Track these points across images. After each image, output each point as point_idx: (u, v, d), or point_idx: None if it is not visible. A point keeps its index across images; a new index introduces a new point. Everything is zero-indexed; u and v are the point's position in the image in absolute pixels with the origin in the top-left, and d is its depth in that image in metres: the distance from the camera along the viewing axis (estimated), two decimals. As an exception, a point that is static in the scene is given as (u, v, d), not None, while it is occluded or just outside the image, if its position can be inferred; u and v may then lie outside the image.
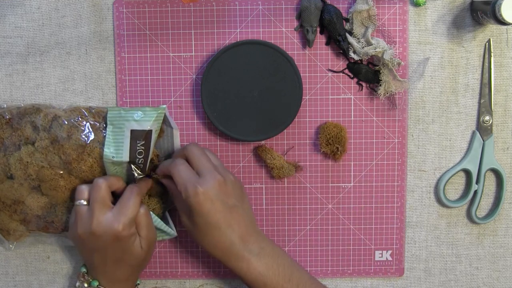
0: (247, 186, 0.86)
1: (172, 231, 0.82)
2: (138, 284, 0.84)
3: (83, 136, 0.78)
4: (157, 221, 0.80)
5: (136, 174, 0.78)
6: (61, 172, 0.79)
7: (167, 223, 0.82)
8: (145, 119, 0.77)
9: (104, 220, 0.75)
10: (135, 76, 0.85)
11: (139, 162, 0.78)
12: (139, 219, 0.77)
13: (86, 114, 0.79)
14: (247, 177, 0.86)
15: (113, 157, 0.77)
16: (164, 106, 0.81)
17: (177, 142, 0.84)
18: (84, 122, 0.79)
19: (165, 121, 0.81)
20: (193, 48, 0.84)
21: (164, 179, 0.80)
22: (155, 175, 0.81)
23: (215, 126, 0.83)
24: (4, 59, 0.85)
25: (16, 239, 0.84)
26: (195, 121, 0.85)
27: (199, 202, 0.74)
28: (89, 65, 0.85)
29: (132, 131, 0.77)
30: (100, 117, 0.80)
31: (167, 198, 0.83)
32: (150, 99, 0.85)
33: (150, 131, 0.77)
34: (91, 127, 0.78)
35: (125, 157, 0.77)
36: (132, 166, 0.78)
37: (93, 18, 0.84)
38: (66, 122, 0.78)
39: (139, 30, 0.84)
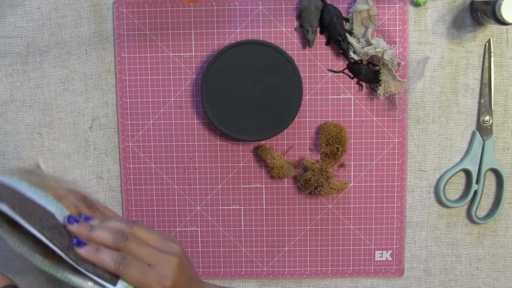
0: (247, 186, 0.86)
1: None
2: None
3: None
4: None
5: None
6: None
7: None
8: None
9: None
10: (135, 76, 0.85)
11: None
12: None
13: None
14: (247, 177, 0.86)
15: None
16: None
17: None
18: None
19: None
20: (193, 48, 0.84)
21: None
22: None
23: (215, 126, 0.83)
24: (4, 59, 0.85)
25: None
26: (195, 121, 0.85)
27: None
28: (89, 65, 0.85)
29: None
30: None
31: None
32: (150, 99, 0.85)
33: None
34: None
35: None
36: None
37: (93, 18, 0.84)
38: None
39: (139, 30, 0.84)
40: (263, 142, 0.85)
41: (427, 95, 0.85)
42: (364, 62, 0.83)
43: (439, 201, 0.86)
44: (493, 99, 0.84)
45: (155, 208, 0.87)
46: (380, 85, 0.82)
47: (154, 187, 0.87)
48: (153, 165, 0.86)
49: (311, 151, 0.86)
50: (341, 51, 0.83)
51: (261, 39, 0.83)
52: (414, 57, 0.84)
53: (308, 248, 0.87)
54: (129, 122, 0.86)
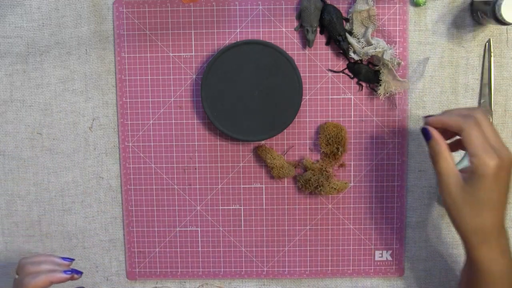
0: (247, 186, 0.86)
1: None
2: None
3: None
4: None
5: None
6: None
7: None
8: None
9: None
10: (135, 76, 0.85)
11: None
12: None
13: None
14: (247, 177, 0.86)
15: None
16: None
17: None
18: None
19: None
20: (193, 48, 0.84)
21: (434, 132, 0.72)
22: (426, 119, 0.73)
23: (215, 126, 0.83)
24: (4, 59, 0.85)
25: None
26: (195, 121, 0.85)
27: (493, 174, 0.68)
28: (89, 65, 0.85)
29: None
30: None
31: None
32: (150, 99, 0.85)
33: None
34: None
35: None
36: None
37: (93, 18, 0.84)
38: None
39: (139, 30, 0.84)
40: (263, 142, 0.85)
41: (427, 95, 0.85)
42: (364, 62, 0.83)
43: (439, 201, 0.86)
44: (493, 99, 0.84)
45: (155, 208, 0.87)
46: (380, 85, 0.82)
47: (154, 187, 0.87)
48: (153, 165, 0.86)
49: (311, 151, 0.86)
50: (341, 51, 0.83)
51: (261, 39, 0.83)
52: (414, 57, 0.84)
53: (308, 248, 0.87)
54: (129, 122, 0.86)
